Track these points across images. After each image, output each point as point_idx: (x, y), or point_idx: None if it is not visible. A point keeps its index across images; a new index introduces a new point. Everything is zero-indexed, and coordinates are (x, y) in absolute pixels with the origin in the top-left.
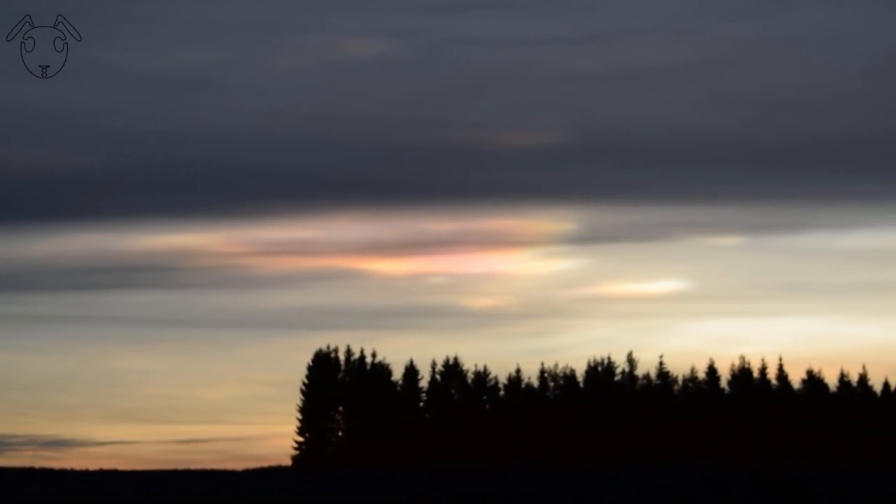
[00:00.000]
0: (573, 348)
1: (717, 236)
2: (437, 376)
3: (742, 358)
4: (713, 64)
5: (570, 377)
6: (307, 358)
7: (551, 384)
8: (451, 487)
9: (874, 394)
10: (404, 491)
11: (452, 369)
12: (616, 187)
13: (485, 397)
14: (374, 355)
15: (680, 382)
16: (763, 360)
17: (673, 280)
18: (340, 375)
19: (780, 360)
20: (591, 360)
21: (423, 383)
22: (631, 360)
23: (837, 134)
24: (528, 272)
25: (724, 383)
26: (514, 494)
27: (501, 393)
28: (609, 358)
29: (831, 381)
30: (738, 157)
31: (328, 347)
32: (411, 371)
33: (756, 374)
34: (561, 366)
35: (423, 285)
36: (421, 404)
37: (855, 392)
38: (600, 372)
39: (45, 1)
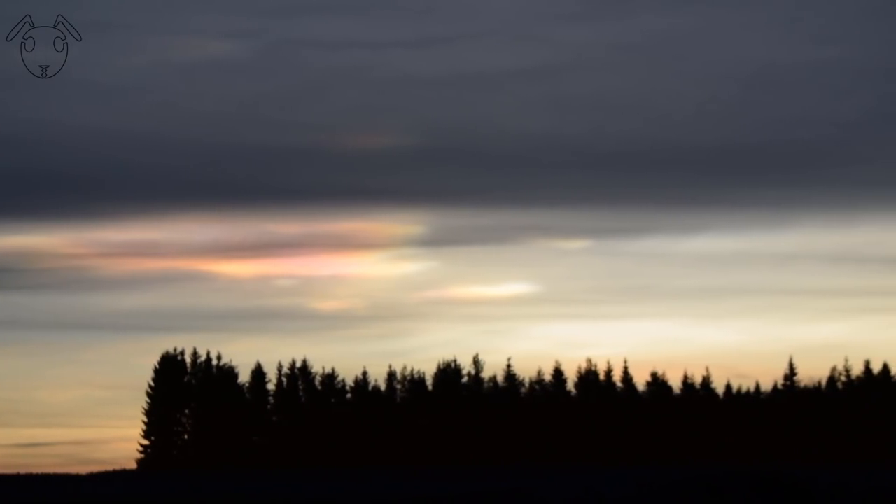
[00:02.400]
0: (421, 351)
1: (562, 240)
2: (285, 379)
3: (588, 360)
4: (553, 69)
5: (417, 380)
6: (153, 360)
7: (399, 387)
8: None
9: (716, 395)
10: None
11: (300, 372)
12: (461, 191)
13: (332, 400)
14: (219, 358)
15: (527, 385)
16: (608, 362)
17: (519, 283)
18: (187, 378)
19: (626, 362)
20: (439, 362)
21: (271, 386)
22: (477, 363)
23: (676, 139)
24: (375, 275)
25: (570, 385)
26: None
27: (349, 396)
28: (456, 361)
29: (675, 383)
30: (580, 162)
31: (175, 350)
32: (258, 373)
33: (602, 376)
34: (409, 368)
35: (270, 287)
36: (268, 407)
37: (698, 394)
38: (448, 374)
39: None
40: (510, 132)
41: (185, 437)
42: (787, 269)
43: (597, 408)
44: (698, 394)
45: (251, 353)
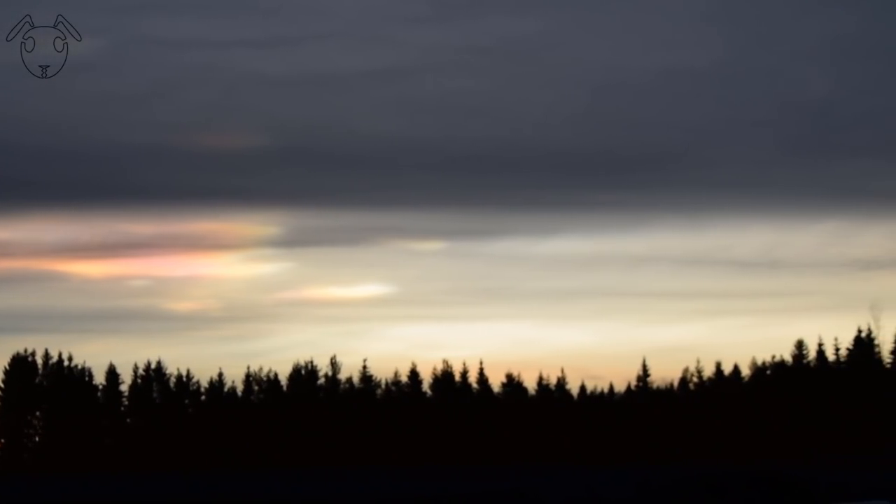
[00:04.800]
0: (277, 352)
1: (417, 241)
2: (139, 380)
3: (444, 361)
4: (402, 70)
5: (273, 381)
6: (3, 362)
7: (255, 388)
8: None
9: (571, 397)
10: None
11: (154, 373)
12: (315, 192)
13: (187, 401)
14: (70, 359)
15: (383, 386)
16: (464, 363)
17: (375, 284)
18: (38, 380)
19: (481, 363)
20: (294, 364)
21: (125, 387)
22: (334, 364)
23: (527, 142)
24: (230, 275)
25: (426, 387)
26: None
27: (203, 397)
28: (312, 362)
29: (530, 384)
30: (432, 164)
31: (25, 351)
32: (112, 375)
33: (457, 377)
34: (265, 370)
35: (124, 288)
36: (122, 409)
37: (553, 395)
38: (304, 376)
39: None
40: (362, 133)
41: (37, 439)
42: (638, 271)
43: (452, 409)
44: (553, 395)
45: (104, 354)
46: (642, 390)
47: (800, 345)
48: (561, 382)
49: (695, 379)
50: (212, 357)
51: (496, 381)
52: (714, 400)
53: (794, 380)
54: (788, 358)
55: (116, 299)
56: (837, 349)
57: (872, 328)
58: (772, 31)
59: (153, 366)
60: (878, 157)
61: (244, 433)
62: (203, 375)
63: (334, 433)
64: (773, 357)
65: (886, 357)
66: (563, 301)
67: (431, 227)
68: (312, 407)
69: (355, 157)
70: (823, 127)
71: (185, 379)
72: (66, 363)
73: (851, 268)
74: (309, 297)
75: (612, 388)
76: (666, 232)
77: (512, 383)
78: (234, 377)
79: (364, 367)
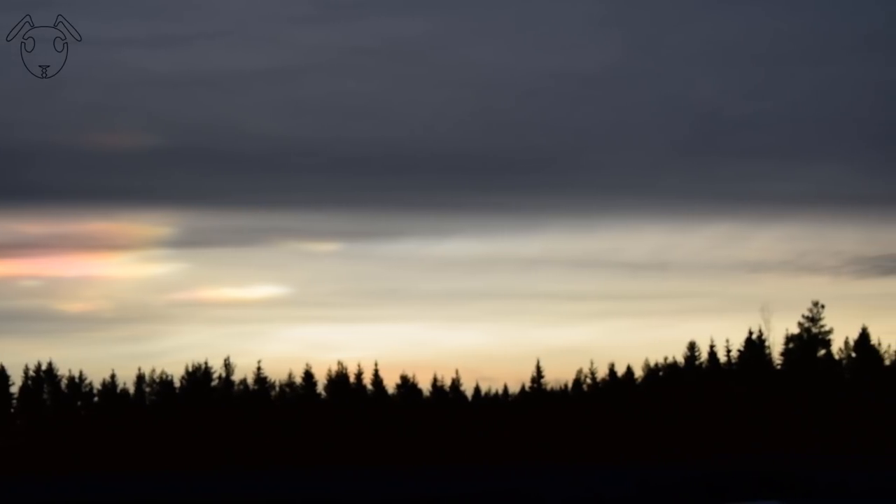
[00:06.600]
0: (170, 353)
1: (312, 242)
2: (30, 382)
3: (339, 363)
4: (289, 71)
5: (166, 383)
6: None
7: (148, 390)
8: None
9: (466, 398)
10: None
11: (45, 374)
12: (208, 192)
13: (79, 403)
14: None
15: (277, 388)
16: (359, 365)
17: (270, 285)
18: None
19: (376, 365)
20: (189, 365)
21: (15, 389)
22: (228, 366)
23: (416, 144)
24: (122, 276)
25: (321, 388)
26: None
27: (96, 399)
28: (206, 363)
29: (425, 385)
30: (322, 165)
31: None
32: (2, 376)
33: (352, 378)
34: (158, 371)
35: (14, 288)
36: (12, 410)
37: (448, 397)
38: (197, 377)
39: None
40: (251, 133)
41: None
42: (531, 273)
43: (347, 410)
44: (447, 396)
45: None
46: (536, 391)
47: (692, 346)
48: (455, 384)
49: (588, 380)
50: (104, 358)
51: (391, 383)
52: (608, 401)
53: (687, 381)
54: (681, 359)
55: (6, 300)
56: (729, 350)
57: (763, 330)
58: (659, 35)
59: (44, 367)
60: (766, 160)
61: (138, 435)
62: (96, 377)
63: (228, 435)
64: (666, 358)
65: (777, 358)
66: (456, 302)
67: (325, 229)
68: (206, 409)
69: (245, 158)
70: (711, 130)
71: (77, 380)
72: None
73: (741, 270)
74: (202, 298)
75: (506, 389)
76: (557, 234)
77: (406, 385)
78: (127, 378)
79: (258, 369)
